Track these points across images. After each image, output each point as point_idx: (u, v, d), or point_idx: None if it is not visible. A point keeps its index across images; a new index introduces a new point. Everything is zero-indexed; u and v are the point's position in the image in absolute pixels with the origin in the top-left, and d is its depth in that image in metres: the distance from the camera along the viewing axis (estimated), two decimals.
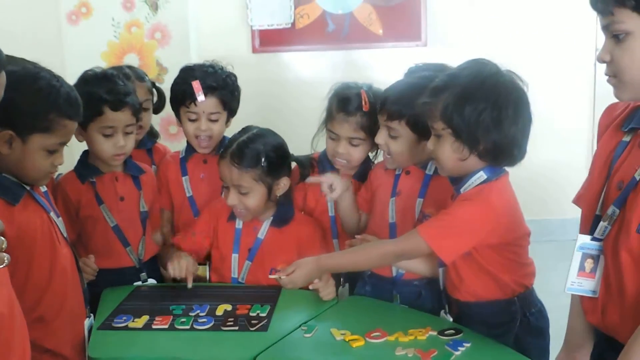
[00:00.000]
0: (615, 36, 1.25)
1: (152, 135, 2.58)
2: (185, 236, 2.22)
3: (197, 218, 2.26)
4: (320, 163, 2.26)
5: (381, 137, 1.99)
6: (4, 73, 1.25)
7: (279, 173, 2.10)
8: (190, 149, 2.38)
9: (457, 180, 1.76)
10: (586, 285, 1.44)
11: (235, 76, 2.37)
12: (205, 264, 2.23)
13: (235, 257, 2.15)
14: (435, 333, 1.73)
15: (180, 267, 2.05)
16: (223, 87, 2.29)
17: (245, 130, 2.15)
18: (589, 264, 1.43)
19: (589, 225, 1.45)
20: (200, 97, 2.25)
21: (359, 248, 1.92)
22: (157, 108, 2.52)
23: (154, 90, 2.51)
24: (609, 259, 1.39)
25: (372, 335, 1.74)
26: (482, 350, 1.66)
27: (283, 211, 2.17)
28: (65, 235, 1.84)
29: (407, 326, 1.78)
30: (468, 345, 1.68)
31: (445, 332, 1.73)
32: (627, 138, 1.39)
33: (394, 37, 3.37)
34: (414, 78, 1.98)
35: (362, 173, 2.24)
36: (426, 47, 3.36)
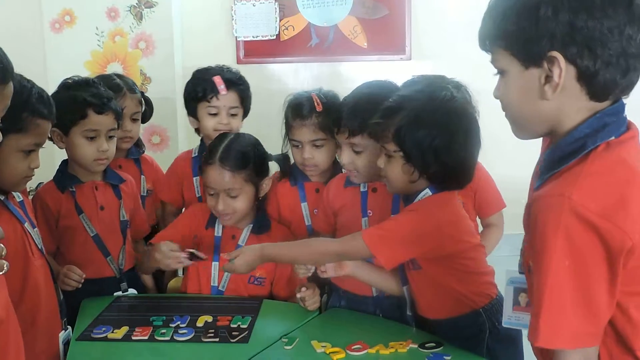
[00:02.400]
0: (499, 72, 1.23)
1: (139, 145, 2.58)
2: (167, 236, 2.16)
3: (176, 223, 2.24)
4: (291, 174, 2.27)
5: (346, 157, 1.95)
6: (11, 83, 1.25)
7: (264, 172, 2.15)
8: (203, 150, 2.38)
9: (407, 197, 1.80)
10: (524, 320, 1.35)
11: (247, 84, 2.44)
12: (180, 276, 2.22)
13: (215, 265, 2.14)
14: (415, 346, 1.73)
15: (166, 255, 1.98)
16: (240, 83, 2.37)
17: (222, 137, 2.17)
18: (523, 298, 1.38)
19: None
20: (223, 90, 2.31)
21: (304, 242, 1.94)
22: (145, 118, 2.52)
23: (143, 100, 2.50)
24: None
25: (352, 347, 1.73)
26: None
27: (261, 218, 2.18)
28: (40, 246, 1.82)
29: (388, 339, 1.77)
30: (448, 358, 1.68)
31: (426, 345, 1.73)
32: None
33: (379, 50, 3.39)
34: (363, 91, 2.00)
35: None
36: (410, 61, 3.38)
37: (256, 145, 2.16)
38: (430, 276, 1.79)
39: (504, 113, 1.28)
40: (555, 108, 1.16)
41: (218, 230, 2.16)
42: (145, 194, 2.49)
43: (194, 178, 2.41)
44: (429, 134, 1.67)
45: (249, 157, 2.09)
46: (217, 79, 2.32)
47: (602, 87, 1.13)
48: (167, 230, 2.23)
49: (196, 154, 2.43)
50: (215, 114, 2.34)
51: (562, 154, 1.16)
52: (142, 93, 2.53)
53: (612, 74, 1.11)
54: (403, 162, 1.72)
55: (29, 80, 1.71)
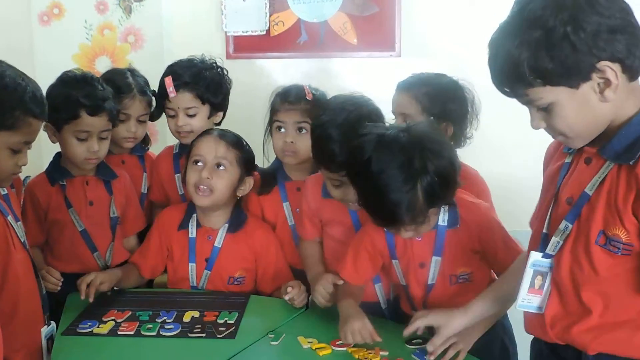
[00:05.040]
0: (542, 108, 1.31)
1: (144, 142, 2.53)
2: (140, 254, 2.20)
3: (148, 236, 2.22)
4: (271, 173, 2.24)
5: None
6: None
7: (249, 169, 2.15)
8: (183, 145, 2.35)
9: None
10: (534, 302, 1.46)
11: (220, 70, 2.36)
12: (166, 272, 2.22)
13: (192, 266, 2.13)
14: (386, 353, 1.71)
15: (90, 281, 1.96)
16: (196, 81, 2.26)
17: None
18: (538, 280, 1.44)
19: (536, 245, 1.46)
20: (171, 93, 2.25)
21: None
22: (154, 116, 2.44)
23: (153, 98, 2.41)
24: (564, 274, 1.40)
25: (337, 343, 1.74)
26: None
27: (236, 216, 2.16)
28: (23, 240, 1.81)
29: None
30: None
31: (413, 341, 1.74)
32: (568, 159, 1.43)
33: (368, 47, 3.37)
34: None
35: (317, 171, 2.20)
36: (400, 58, 3.37)
37: (249, 147, 2.20)
38: (476, 281, 1.80)
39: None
40: (612, 105, 1.28)
41: (192, 232, 2.15)
42: (145, 192, 2.45)
43: (176, 175, 2.37)
44: (445, 165, 1.62)
45: (242, 143, 2.15)
46: (167, 81, 2.25)
47: (638, 67, 1.27)
48: (141, 248, 2.22)
49: (177, 151, 2.39)
50: (173, 116, 2.30)
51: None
52: (154, 92, 2.41)
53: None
54: (437, 209, 1.72)
55: (23, 78, 1.68)
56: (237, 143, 2.13)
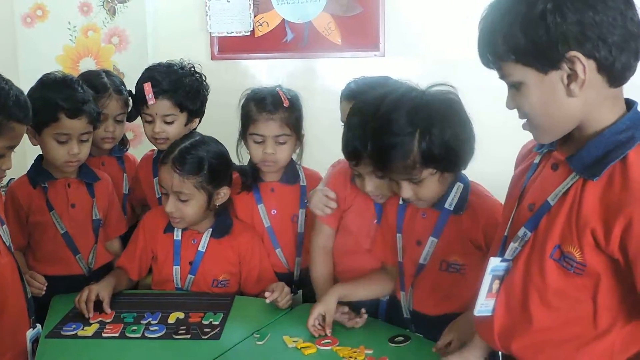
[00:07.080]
0: (513, 85, 1.28)
1: (123, 143, 2.53)
2: (127, 257, 2.18)
3: (133, 239, 2.21)
4: (244, 176, 2.21)
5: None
6: None
7: (220, 182, 2.08)
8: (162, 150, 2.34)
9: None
10: (490, 305, 1.42)
11: (199, 76, 2.35)
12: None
13: (177, 269, 2.13)
14: (371, 351, 1.71)
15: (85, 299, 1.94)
16: (176, 89, 2.26)
17: (188, 136, 2.14)
18: (496, 284, 1.41)
19: (497, 247, 1.44)
20: (150, 100, 2.24)
21: None
22: (131, 116, 2.44)
23: (130, 99, 2.41)
24: (517, 280, 1.37)
25: (322, 342, 1.75)
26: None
27: (221, 221, 2.15)
28: (8, 244, 1.80)
29: (358, 333, 1.80)
30: None
31: (395, 340, 1.75)
32: (537, 160, 1.41)
33: (353, 47, 3.39)
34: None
35: (291, 175, 2.21)
36: (384, 58, 3.39)
37: (218, 154, 2.08)
38: (467, 276, 1.78)
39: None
40: (582, 103, 1.23)
41: (177, 234, 2.14)
42: (127, 193, 2.45)
43: (154, 179, 2.37)
44: (451, 136, 1.63)
45: (202, 165, 2.02)
46: (147, 87, 2.24)
47: (620, 72, 1.21)
48: (127, 251, 2.20)
49: (156, 155, 2.39)
50: (150, 122, 2.29)
51: (611, 147, 1.23)
52: (130, 92, 2.41)
53: (627, 57, 1.19)
54: (439, 176, 1.70)
55: (7, 82, 1.67)
56: (194, 168, 2.01)
